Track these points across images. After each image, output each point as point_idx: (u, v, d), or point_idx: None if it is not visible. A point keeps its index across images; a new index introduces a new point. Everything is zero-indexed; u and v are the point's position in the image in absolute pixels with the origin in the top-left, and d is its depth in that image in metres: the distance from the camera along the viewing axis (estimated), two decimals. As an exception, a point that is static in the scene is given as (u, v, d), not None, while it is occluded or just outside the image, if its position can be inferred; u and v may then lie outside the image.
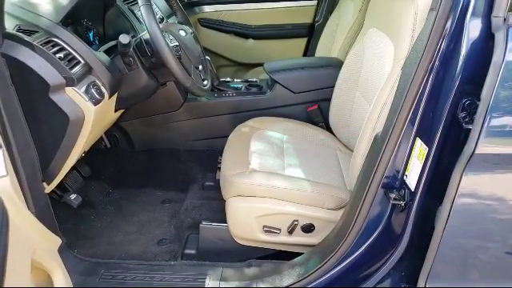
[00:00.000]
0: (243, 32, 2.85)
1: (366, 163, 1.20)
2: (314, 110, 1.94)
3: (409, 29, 1.20)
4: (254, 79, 2.16)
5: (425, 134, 1.00)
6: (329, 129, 1.91)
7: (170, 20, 1.99)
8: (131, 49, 1.40)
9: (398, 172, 1.09)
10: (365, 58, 1.64)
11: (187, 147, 2.09)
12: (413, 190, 1.03)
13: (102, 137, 2.04)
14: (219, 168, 1.72)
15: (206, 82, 1.57)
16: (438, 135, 0.95)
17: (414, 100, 1.01)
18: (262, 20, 2.83)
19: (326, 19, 2.68)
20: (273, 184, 1.42)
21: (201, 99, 2.00)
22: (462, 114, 0.91)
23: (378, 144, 1.13)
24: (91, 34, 1.60)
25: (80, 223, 1.84)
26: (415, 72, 0.99)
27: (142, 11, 1.28)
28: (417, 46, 1.04)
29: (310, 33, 2.82)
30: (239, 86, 2.06)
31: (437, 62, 0.96)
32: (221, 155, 1.77)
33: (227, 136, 1.85)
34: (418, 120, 1.02)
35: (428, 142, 0.98)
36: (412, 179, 1.04)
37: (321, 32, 2.58)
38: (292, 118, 1.94)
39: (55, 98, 1.16)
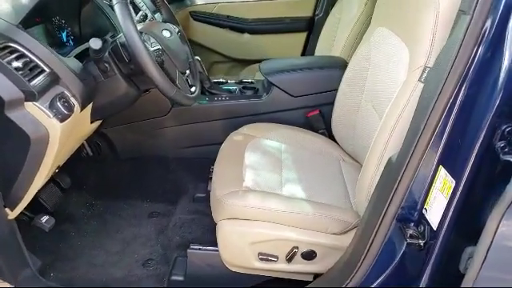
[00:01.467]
0: (238, 26, 2.66)
1: (378, 189, 1.03)
2: (315, 115, 1.77)
3: (427, 33, 1.02)
4: (250, 80, 1.98)
5: (451, 163, 0.83)
6: (331, 136, 1.74)
7: (157, 16, 1.80)
8: (106, 54, 1.22)
9: (416, 204, 0.93)
10: (372, 61, 1.46)
11: (176, 155, 1.92)
12: (435, 228, 0.87)
13: (83, 144, 1.86)
14: (211, 178, 1.56)
15: (193, 89, 1.39)
16: (469, 167, 0.78)
17: (438, 121, 0.84)
18: (259, 13, 2.64)
19: (327, 13, 2.50)
20: (269, 206, 1.25)
21: (191, 103, 1.82)
22: (501, 144, 0.74)
23: (392, 169, 0.96)
24: (64, 34, 1.42)
25: (59, 240, 1.68)
26: (442, 87, 0.81)
27: (116, 10, 1.10)
28: (443, 56, 0.86)
29: (310, 27, 2.63)
30: (233, 88, 1.88)
31: (469, 76, 0.79)
32: (213, 164, 1.61)
33: (220, 143, 1.68)
34: (442, 145, 0.85)
35: (455, 174, 0.81)
36: (434, 215, 0.87)
37: (321, 26, 2.40)
38: (290, 124, 1.76)
39: (12, 115, 0.99)
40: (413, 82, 1.05)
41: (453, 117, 0.83)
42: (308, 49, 2.66)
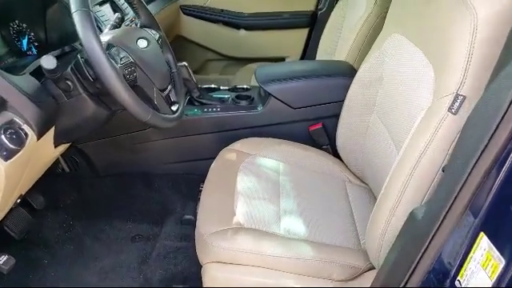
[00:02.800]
0: (234, 21, 2.44)
1: (399, 247, 0.83)
2: (318, 129, 1.57)
3: (462, 52, 0.81)
4: (244, 86, 1.77)
5: (498, 234, 0.64)
6: (335, 152, 1.54)
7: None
8: (68, 70, 1.01)
9: (448, 273, 0.73)
10: (385, 73, 1.25)
11: (162, 171, 1.73)
12: (473, 311, 0.67)
13: (58, 159, 1.66)
14: (199, 199, 1.38)
15: (175, 107, 1.18)
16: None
17: (484, 176, 0.64)
18: (256, 7, 2.42)
19: (331, 7, 2.28)
20: (263, 250, 1.06)
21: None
22: None
23: (418, 228, 0.76)
24: (25, 42, 1.21)
25: (30, 271, 1.49)
26: (493, 131, 0.61)
27: (75, 20, 0.89)
28: (495, 87, 0.66)
29: (312, 23, 2.41)
30: (225, 96, 1.68)
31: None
32: (203, 182, 1.42)
33: (210, 158, 1.49)
34: (486, 209, 0.65)
35: (504, 251, 0.62)
36: (472, 294, 0.68)
37: (324, 23, 2.19)
38: (290, 139, 1.56)
39: None
40: (440, 111, 0.85)
41: (504, 173, 0.63)
42: (310, 47, 2.45)
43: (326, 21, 2.17)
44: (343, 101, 1.46)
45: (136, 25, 1.28)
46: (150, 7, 2.15)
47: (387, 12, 1.62)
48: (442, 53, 0.90)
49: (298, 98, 1.56)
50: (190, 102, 1.64)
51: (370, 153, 1.33)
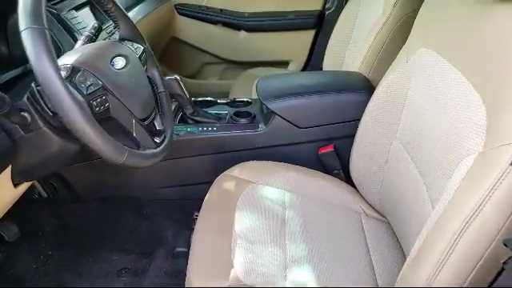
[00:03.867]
0: (233, 22, 2.23)
1: None
2: (329, 152, 1.37)
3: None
4: (245, 99, 1.57)
5: None
6: (348, 178, 1.34)
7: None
8: (25, 100, 0.81)
9: None
10: (411, 93, 1.06)
11: (152, 196, 1.53)
12: None
13: (33, 184, 1.47)
14: (193, 229, 1.19)
15: (159, 139, 0.98)
16: None
17: None
18: (257, 6, 2.20)
19: (340, 7, 2.07)
20: (267, 318, 0.88)
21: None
22: None
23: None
24: (-19, 58, 1.01)
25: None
26: None
27: (24, 42, 0.69)
28: None
29: (319, 24, 2.20)
30: (223, 112, 1.48)
31: None
32: (197, 209, 1.24)
33: (206, 183, 1.30)
34: None
35: None
36: None
37: (333, 23, 1.97)
38: (296, 163, 1.36)
39: None
40: (498, 163, 0.65)
41: None
42: (316, 50, 2.24)
43: (335, 22, 1.96)
44: (358, 120, 1.27)
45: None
46: (141, 7, 1.96)
47: (410, 15, 1.42)
48: (497, 84, 0.69)
49: (306, 117, 1.36)
50: (183, 120, 1.44)
51: (391, 187, 1.13)
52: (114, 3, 1.00)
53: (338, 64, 1.85)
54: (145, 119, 0.93)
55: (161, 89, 1.09)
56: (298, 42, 2.24)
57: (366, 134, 1.22)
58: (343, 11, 1.91)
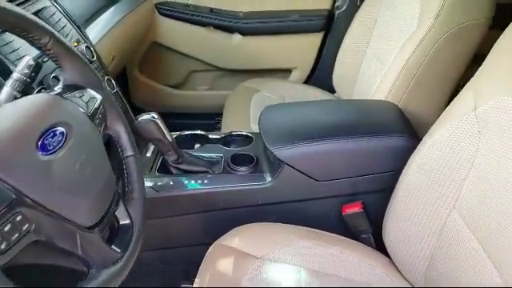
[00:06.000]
0: (226, 24, 1.89)
1: None
2: (356, 212, 1.06)
3: None
4: (243, 132, 1.25)
5: None
6: (380, 244, 1.04)
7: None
8: None
9: None
10: (480, 154, 0.75)
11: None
12: None
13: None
14: None
15: (123, 243, 0.66)
16: None
17: None
18: (254, 5, 1.87)
19: (353, 6, 1.75)
20: None
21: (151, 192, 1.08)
22: None
23: None
24: None
25: None
26: None
27: None
28: None
29: (327, 26, 1.87)
30: (216, 156, 1.15)
31: None
32: (186, 279, 0.94)
33: (196, 245, 1.02)
34: None
35: None
36: None
37: (343, 26, 1.66)
38: (312, 225, 1.05)
39: None
40: None
41: None
42: (324, 56, 1.92)
43: (346, 24, 1.65)
44: (393, 171, 0.96)
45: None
46: (117, 7, 1.62)
47: (456, 31, 1.10)
48: None
49: (326, 168, 1.04)
50: (165, 169, 1.11)
51: (444, 265, 0.84)
52: (53, 36, 0.66)
53: (352, 77, 1.53)
54: (99, 223, 0.61)
55: (129, 152, 0.76)
56: (303, 47, 1.92)
57: (409, 196, 0.92)
58: (359, 11, 1.59)
